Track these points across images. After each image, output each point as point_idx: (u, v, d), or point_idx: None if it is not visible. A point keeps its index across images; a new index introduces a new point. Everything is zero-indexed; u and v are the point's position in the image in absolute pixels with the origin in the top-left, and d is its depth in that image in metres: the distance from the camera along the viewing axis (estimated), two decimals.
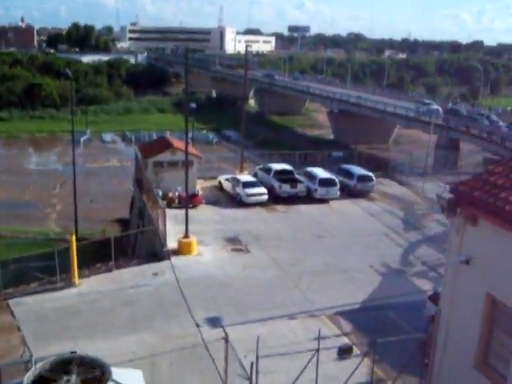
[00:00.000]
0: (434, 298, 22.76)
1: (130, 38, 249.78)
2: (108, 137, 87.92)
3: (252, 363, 15.46)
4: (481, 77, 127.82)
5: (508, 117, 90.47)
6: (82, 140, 79.52)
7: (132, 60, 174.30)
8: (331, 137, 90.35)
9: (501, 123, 75.39)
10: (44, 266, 28.10)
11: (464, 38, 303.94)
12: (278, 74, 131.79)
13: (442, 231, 36.27)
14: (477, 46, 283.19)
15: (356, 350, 20.20)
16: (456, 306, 15.01)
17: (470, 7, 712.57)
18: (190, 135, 44.37)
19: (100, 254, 31.10)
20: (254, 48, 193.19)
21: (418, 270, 30.68)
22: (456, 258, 14.65)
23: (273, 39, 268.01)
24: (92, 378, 11.67)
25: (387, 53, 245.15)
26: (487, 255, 13.78)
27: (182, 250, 30.30)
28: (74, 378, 11.55)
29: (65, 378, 11.53)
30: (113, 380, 11.66)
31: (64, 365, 11.99)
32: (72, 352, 13.65)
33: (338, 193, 42.03)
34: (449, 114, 76.67)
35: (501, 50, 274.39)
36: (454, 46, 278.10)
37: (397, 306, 25.42)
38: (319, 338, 16.29)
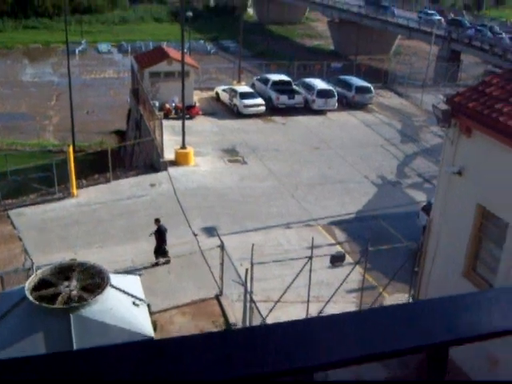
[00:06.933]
0: (428, 208, 23.14)
1: None
2: (104, 47, 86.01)
3: (247, 270, 15.92)
4: None
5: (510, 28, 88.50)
6: (77, 51, 77.86)
7: None
8: (331, 47, 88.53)
9: (504, 35, 73.87)
10: (42, 178, 28.37)
11: None
12: None
13: (439, 143, 36.34)
14: None
15: (349, 258, 20.70)
16: (447, 215, 15.29)
17: None
18: (186, 45, 43.58)
19: (97, 166, 31.28)
20: None
21: (413, 182, 30.98)
22: (449, 169, 14.80)
23: None
24: (91, 283, 12.02)
25: None
26: (480, 166, 13.91)
27: (179, 160, 30.46)
28: (73, 283, 11.90)
29: (65, 283, 11.88)
30: (111, 285, 12.02)
31: (64, 271, 12.30)
32: (72, 259, 14.02)
33: (336, 104, 41.76)
34: (451, 25, 74.94)
35: None
36: None
37: (391, 217, 25.88)
38: (312, 246, 16.67)
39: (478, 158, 13.98)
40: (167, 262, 20.72)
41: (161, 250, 20.87)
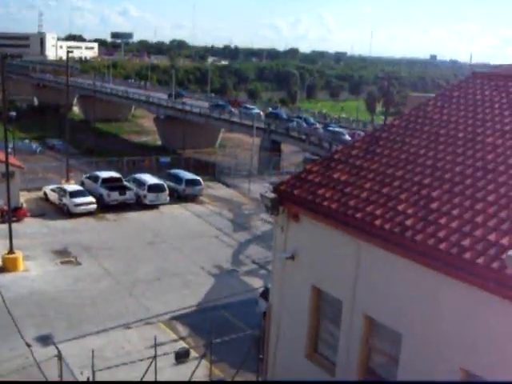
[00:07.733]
0: (265, 294, 23.77)
1: None
2: None
3: (88, 378, 15.12)
4: (297, 82, 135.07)
5: (323, 119, 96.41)
6: None
7: None
8: (159, 143, 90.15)
9: (318, 125, 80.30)
10: None
11: (281, 46, 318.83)
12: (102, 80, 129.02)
13: (269, 229, 37.87)
14: (293, 53, 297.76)
15: (194, 353, 20.46)
16: (285, 300, 15.79)
17: (287, 17, 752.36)
18: (11, 145, 42.02)
19: None
20: (77, 54, 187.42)
21: (249, 269, 31.79)
22: (282, 255, 15.42)
23: (96, 45, 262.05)
24: None
25: (210, 59, 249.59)
26: (310, 249, 14.67)
27: (6, 266, 28.75)
28: None
29: None
30: None
31: None
32: None
33: (168, 198, 42.28)
34: (270, 118, 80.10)
35: (315, 57, 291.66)
36: (272, 53, 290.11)
37: (231, 306, 26.15)
38: (155, 345, 16.32)
39: (307, 241, 14.76)
40: None
41: None
